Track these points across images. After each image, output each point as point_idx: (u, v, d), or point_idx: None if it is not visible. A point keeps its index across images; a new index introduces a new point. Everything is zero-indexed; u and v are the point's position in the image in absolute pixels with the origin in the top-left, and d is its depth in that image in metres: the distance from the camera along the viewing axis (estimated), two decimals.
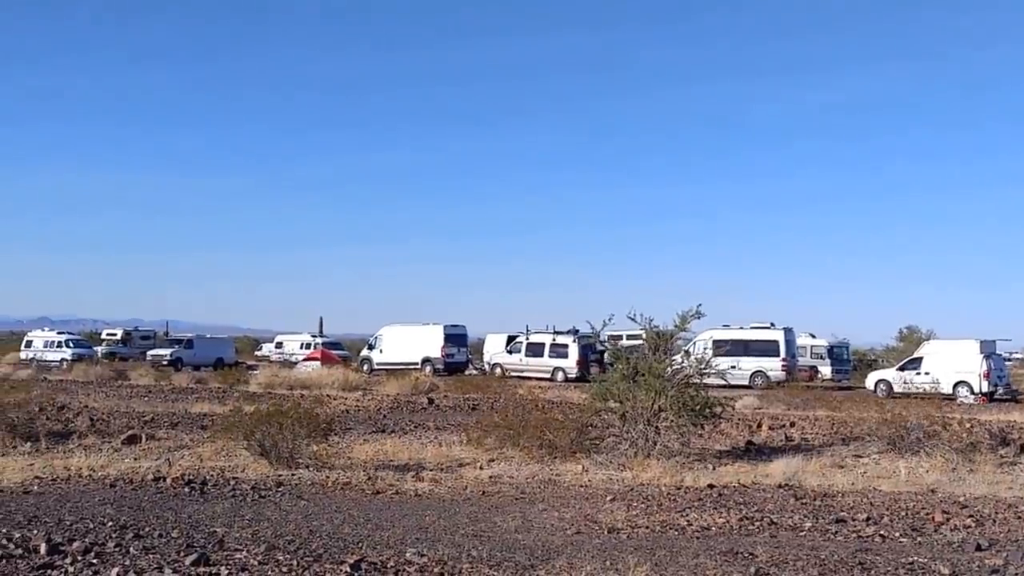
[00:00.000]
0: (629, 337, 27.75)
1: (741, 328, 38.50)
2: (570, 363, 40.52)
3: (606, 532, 9.62)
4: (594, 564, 7.83)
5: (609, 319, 16.97)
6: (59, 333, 57.99)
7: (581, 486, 12.79)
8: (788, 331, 38.86)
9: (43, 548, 7.48)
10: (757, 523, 10.22)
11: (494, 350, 45.78)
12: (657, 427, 15.22)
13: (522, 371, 41.08)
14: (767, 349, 37.58)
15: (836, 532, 9.85)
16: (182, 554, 7.51)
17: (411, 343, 45.18)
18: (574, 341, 40.74)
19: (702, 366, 16.10)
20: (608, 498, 11.67)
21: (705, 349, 23.09)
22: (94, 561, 7.19)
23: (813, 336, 44.45)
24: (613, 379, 16.33)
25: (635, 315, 16.46)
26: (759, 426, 21.38)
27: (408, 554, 7.99)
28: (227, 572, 6.94)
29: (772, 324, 38.90)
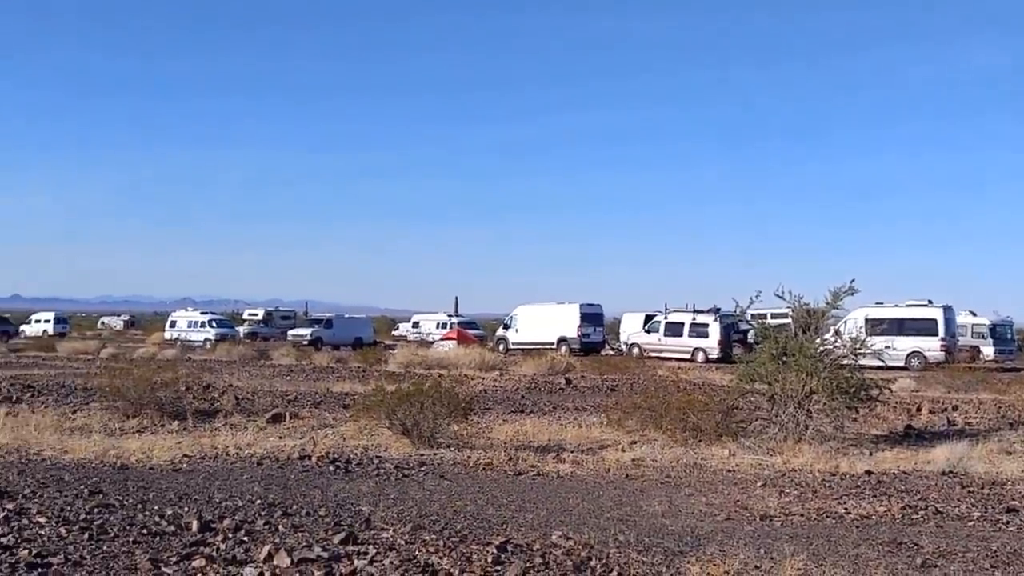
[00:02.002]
0: (774, 316, 26.93)
1: (896, 306, 36.53)
2: (711, 343, 39.59)
3: (758, 519, 9.24)
4: (747, 552, 7.49)
5: (755, 296, 16.30)
6: (202, 313, 59.81)
7: (728, 471, 12.36)
8: (947, 309, 36.74)
9: (195, 525, 7.54)
10: (921, 512, 9.67)
11: (631, 330, 45.26)
12: (809, 410, 14.58)
13: (660, 351, 40.44)
14: (924, 328, 35.66)
15: (1007, 522, 9.24)
16: (330, 532, 7.49)
17: (547, 323, 45.07)
18: (716, 320, 39.76)
19: (857, 346, 15.32)
20: (758, 484, 11.22)
21: (859, 328, 22.14)
22: (244, 539, 7.22)
23: (974, 314, 41.98)
24: (760, 359, 15.69)
25: (782, 292, 15.81)
26: (918, 409, 20.40)
27: (554, 537, 7.80)
28: (375, 551, 6.86)
29: (930, 301, 36.76)
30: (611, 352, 44.80)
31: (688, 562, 7.10)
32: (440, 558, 6.77)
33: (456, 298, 72.11)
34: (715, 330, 39.68)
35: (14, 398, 19.46)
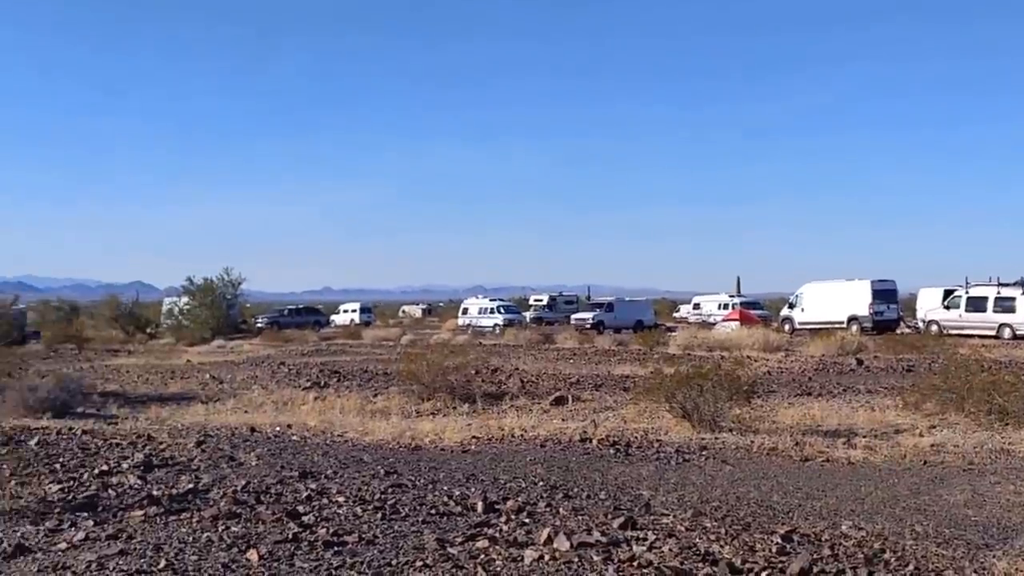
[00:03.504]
0: None
1: None
2: (1019, 318, 36.46)
3: None
4: None
5: None
6: (492, 300, 62.41)
7: None
8: None
9: (479, 506, 7.80)
10: None
11: (928, 306, 42.56)
12: None
13: (961, 328, 37.74)
14: None
15: None
16: (609, 516, 7.52)
17: (835, 300, 43.37)
18: (1023, 293, 36.71)
19: None
20: None
21: None
22: (526, 521, 7.37)
23: None
24: None
25: None
26: None
27: (843, 527, 7.48)
28: (654, 537, 6.81)
29: None
30: (906, 330, 42.30)
31: (994, 556, 6.62)
32: (721, 547, 6.62)
33: (738, 278, 70.84)
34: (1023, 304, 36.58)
35: (322, 383, 21.02)
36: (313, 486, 8.71)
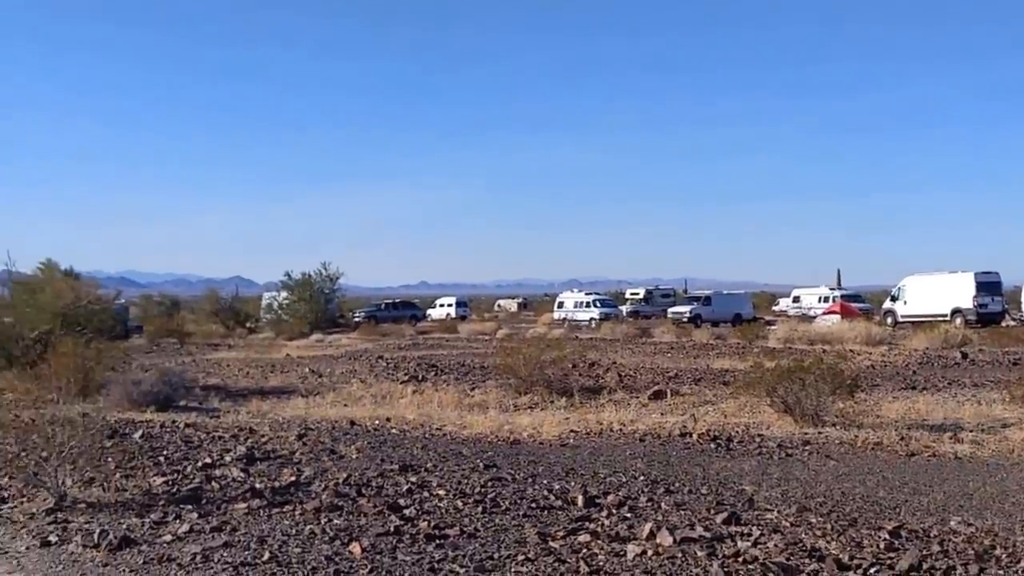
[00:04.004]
0: None
1: None
2: None
3: None
4: None
5: None
6: (587, 294, 62.70)
7: None
8: None
9: (580, 500, 7.83)
10: None
11: None
12: None
13: None
14: None
15: None
16: (712, 512, 7.48)
17: (938, 293, 42.40)
18: None
19: None
20: None
21: None
22: (628, 515, 7.38)
23: None
24: None
25: None
26: None
27: (952, 523, 7.31)
28: (758, 533, 6.76)
29: None
30: (1011, 323, 41.04)
31: None
32: (828, 542, 6.54)
33: (839, 270, 69.73)
34: None
35: (420, 377, 21.25)
36: (413, 479, 8.83)
